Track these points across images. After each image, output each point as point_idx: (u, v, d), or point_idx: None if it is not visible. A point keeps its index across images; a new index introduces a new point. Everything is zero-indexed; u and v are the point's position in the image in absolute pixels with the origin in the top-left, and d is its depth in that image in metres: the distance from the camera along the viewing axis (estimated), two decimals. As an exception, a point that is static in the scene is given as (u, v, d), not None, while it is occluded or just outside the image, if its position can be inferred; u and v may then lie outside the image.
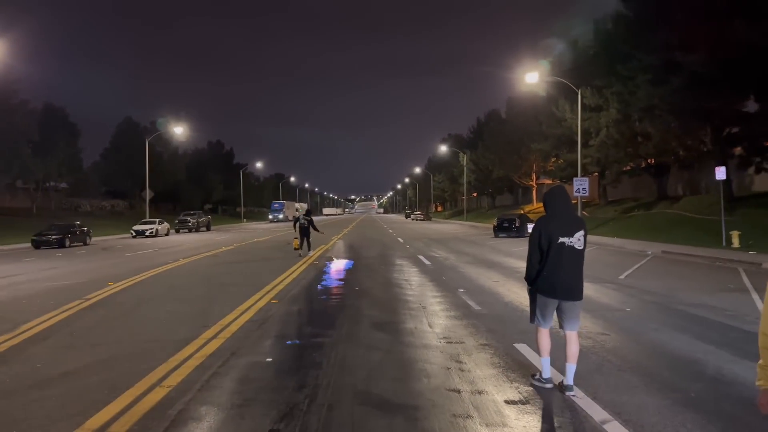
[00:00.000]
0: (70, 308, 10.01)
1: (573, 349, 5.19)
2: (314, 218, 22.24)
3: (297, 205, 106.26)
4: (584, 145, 34.53)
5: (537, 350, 5.55)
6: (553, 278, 5.11)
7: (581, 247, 5.14)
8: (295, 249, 20.83)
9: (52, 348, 7.19)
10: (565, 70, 36.74)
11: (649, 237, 25.91)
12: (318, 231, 21.59)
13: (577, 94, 32.23)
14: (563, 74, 34.70)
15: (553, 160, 47.65)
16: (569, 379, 5.16)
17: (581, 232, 5.13)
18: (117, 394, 5.20)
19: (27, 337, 7.82)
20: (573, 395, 5.04)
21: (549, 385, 5.27)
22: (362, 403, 4.93)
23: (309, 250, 20.98)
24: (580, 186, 31.67)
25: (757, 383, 2.48)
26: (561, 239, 5.07)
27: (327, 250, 23.01)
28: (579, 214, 33.03)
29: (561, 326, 5.32)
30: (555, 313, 5.30)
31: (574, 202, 36.47)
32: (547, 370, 5.34)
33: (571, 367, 5.17)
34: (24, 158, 46.72)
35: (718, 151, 28.18)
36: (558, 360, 5.50)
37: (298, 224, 20.69)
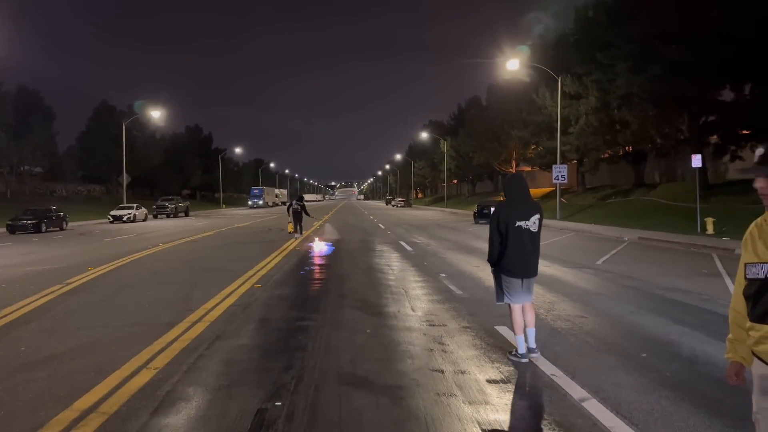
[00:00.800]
0: (50, 293, 9.93)
1: (529, 315, 5.72)
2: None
3: (276, 191, 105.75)
4: (563, 132, 34.85)
5: (512, 329, 5.80)
6: (514, 259, 5.56)
7: (536, 230, 5.61)
8: (290, 232, 22.21)
9: (35, 332, 7.15)
10: (546, 57, 36.93)
11: (626, 223, 26.34)
12: (309, 215, 22.25)
13: (557, 81, 32.46)
14: (544, 62, 34.88)
15: (533, 147, 47.97)
16: (531, 342, 5.65)
17: (537, 216, 5.58)
18: (104, 376, 5.22)
19: (8, 321, 7.76)
20: (536, 357, 5.56)
21: (525, 360, 5.60)
22: (348, 384, 5.02)
23: (301, 232, 21.54)
24: (559, 173, 32.04)
25: (726, 356, 2.62)
26: (518, 223, 5.52)
27: (308, 236, 23.02)
28: (558, 200, 33.41)
29: None
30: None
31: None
32: (522, 347, 5.67)
33: (531, 331, 5.68)
34: (-3, 142, 45.89)
35: (695, 139, 28.66)
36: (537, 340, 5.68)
37: (291, 209, 21.34)
